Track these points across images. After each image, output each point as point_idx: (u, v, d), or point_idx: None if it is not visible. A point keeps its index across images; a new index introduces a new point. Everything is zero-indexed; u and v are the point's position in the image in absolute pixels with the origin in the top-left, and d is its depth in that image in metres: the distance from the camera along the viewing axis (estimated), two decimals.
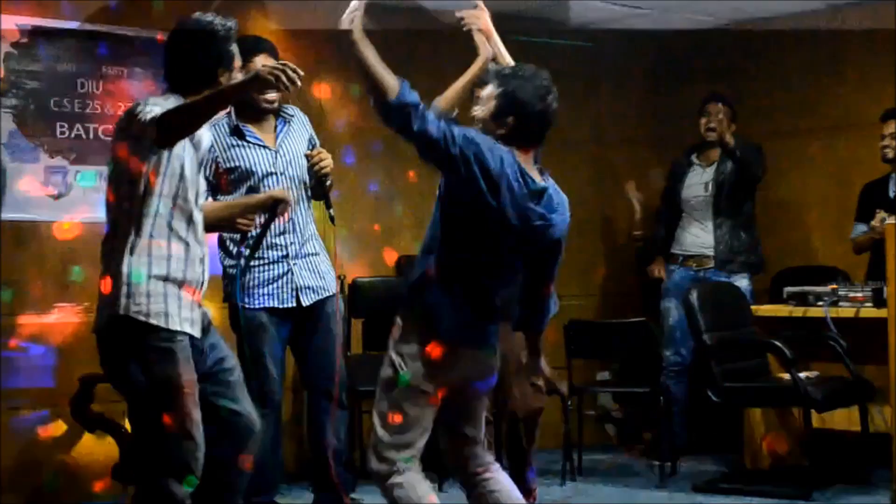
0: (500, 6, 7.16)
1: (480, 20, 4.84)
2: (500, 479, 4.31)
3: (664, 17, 7.83)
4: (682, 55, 8.35)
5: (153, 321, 3.85)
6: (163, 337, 3.88)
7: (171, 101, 3.99)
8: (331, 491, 5.45)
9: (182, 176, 4.00)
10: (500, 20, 6.99)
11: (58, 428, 5.91)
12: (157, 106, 3.89)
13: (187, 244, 4.01)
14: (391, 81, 3.90)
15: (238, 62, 4.18)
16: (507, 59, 4.80)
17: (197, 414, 3.94)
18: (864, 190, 7.00)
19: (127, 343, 3.88)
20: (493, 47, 4.83)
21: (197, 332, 3.99)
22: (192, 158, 4.07)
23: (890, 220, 6.08)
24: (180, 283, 3.94)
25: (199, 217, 4.10)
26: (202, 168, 4.22)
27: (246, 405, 4.24)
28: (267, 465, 5.30)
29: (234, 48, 4.13)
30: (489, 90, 4.16)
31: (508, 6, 7.24)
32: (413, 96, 3.92)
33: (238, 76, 4.13)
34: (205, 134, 4.17)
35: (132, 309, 3.83)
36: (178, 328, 3.91)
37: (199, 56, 4.08)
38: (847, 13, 7.49)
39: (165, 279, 3.91)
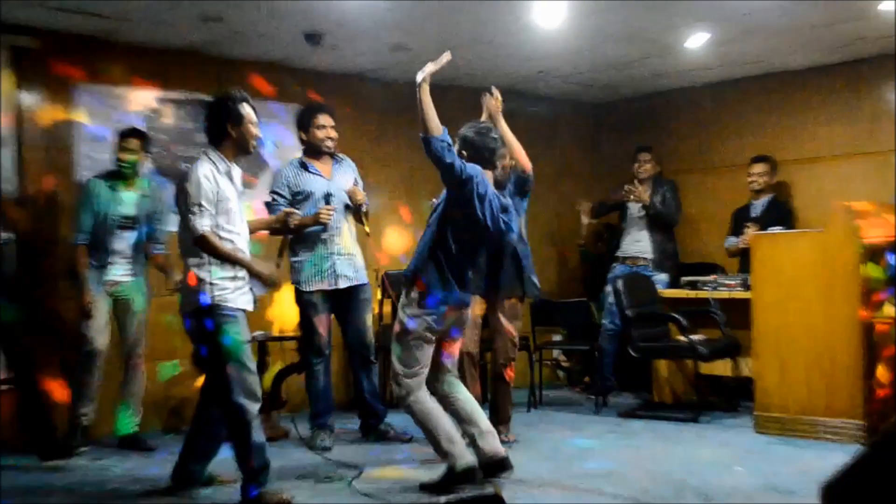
0: (483, 81, 7.00)
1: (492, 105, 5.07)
2: (464, 395, 4.49)
3: (603, 91, 8.01)
4: (616, 116, 8.47)
5: (229, 304, 4.09)
6: (231, 312, 4.10)
7: (213, 155, 4.13)
8: (370, 419, 5.68)
9: (229, 207, 4.13)
10: (484, 92, 7.18)
11: (183, 373, 5.94)
12: (203, 211, 3.99)
13: (242, 251, 4.18)
14: (438, 125, 4.20)
15: (251, 117, 4.16)
16: (504, 126, 5.04)
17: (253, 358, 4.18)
18: (733, 214, 7.19)
19: (212, 318, 4.07)
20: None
21: (250, 307, 4.19)
22: (235, 192, 4.19)
23: (751, 232, 6.38)
24: (240, 278, 4.14)
25: (243, 228, 4.24)
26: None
27: None
28: (321, 398, 5.54)
29: (244, 109, 4.15)
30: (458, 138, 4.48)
31: (491, 82, 6.98)
32: (448, 138, 4.24)
33: (252, 129, 4.17)
34: (237, 171, 4.26)
35: (216, 299, 4.07)
36: (241, 307, 4.14)
37: (214, 117, 4.19)
38: (726, 88, 7.66)
39: (233, 278, 4.12)
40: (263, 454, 4.11)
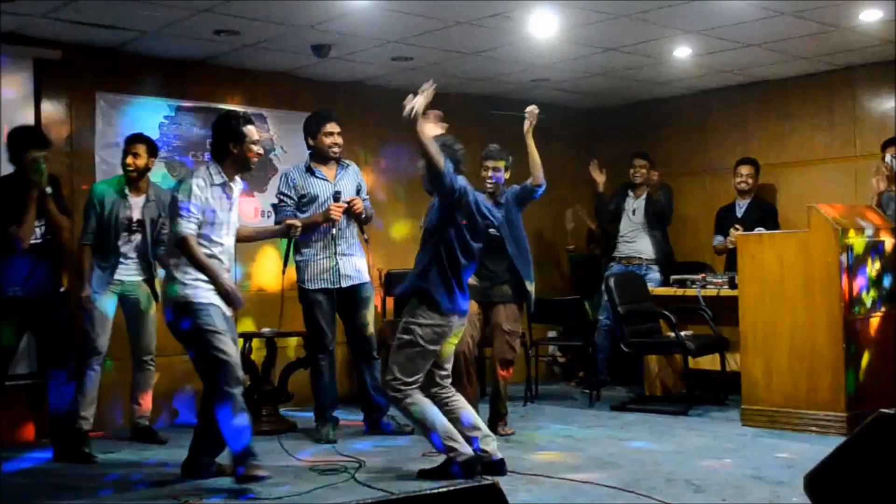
0: (481, 89, 7.43)
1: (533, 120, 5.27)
2: (457, 399, 4.47)
3: (593, 98, 8.10)
4: (604, 123, 8.52)
5: (201, 300, 4.17)
6: (202, 306, 4.17)
7: (213, 168, 4.22)
8: (373, 412, 5.66)
9: (215, 219, 4.22)
10: (482, 100, 7.23)
11: (191, 368, 5.60)
12: (190, 216, 4.09)
13: (220, 260, 4.25)
14: (441, 160, 4.19)
15: (253, 136, 4.24)
16: (531, 142, 5.28)
17: (233, 344, 4.24)
18: (718, 212, 7.23)
19: (185, 314, 4.16)
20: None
21: (221, 305, 4.21)
22: (226, 205, 4.26)
23: (739, 233, 6.30)
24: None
25: (227, 240, 4.28)
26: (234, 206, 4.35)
27: None
28: (326, 392, 5.51)
29: (246, 129, 4.22)
30: None
31: (488, 90, 7.46)
32: (450, 168, 4.25)
33: (253, 147, 4.24)
34: (237, 187, 4.34)
35: (189, 297, 4.16)
36: (212, 302, 4.19)
37: (218, 134, 4.28)
38: (712, 96, 7.74)
39: (206, 280, 4.20)
40: (246, 435, 4.16)
